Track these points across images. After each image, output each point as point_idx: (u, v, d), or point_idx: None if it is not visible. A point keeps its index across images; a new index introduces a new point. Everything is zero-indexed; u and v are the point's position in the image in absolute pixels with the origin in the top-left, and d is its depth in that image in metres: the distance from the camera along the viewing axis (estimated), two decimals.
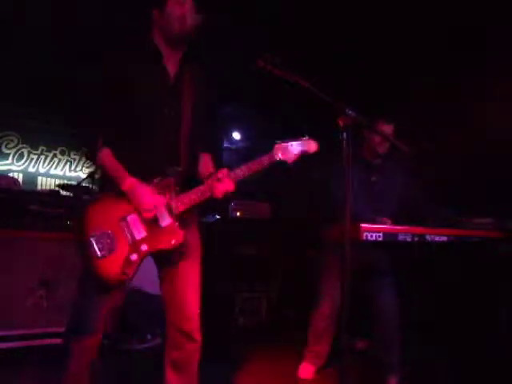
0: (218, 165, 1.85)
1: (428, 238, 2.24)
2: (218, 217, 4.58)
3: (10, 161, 5.52)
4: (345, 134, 1.51)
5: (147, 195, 1.62)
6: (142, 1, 1.74)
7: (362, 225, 2.04)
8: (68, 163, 5.99)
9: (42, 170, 5.78)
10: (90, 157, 1.74)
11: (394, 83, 4.02)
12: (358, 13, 3.58)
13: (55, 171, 5.88)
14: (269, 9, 3.56)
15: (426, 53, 3.71)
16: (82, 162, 6.12)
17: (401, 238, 2.16)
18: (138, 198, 1.61)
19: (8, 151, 5.50)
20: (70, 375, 1.66)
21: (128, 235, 1.61)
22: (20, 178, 5.53)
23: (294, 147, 1.80)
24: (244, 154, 5.93)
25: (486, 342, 2.80)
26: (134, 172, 1.64)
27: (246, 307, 4.12)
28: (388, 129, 2.78)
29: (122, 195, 1.62)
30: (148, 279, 2.14)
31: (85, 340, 1.66)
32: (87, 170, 6.07)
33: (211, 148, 1.93)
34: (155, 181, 1.66)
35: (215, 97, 1.96)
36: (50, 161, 5.84)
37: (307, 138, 1.81)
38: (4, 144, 5.45)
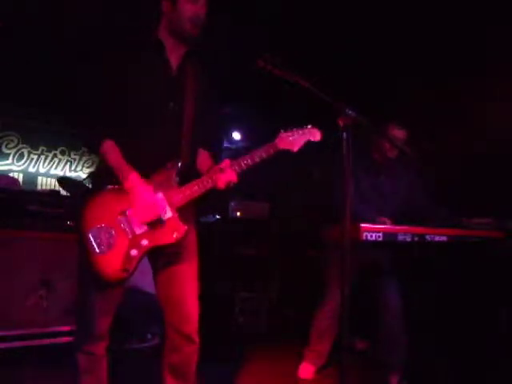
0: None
1: (428, 237, 2.24)
2: (217, 217, 4.58)
3: (10, 161, 5.52)
4: (345, 134, 1.51)
5: (149, 200, 1.58)
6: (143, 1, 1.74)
7: (362, 225, 2.04)
8: (68, 163, 5.99)
9: (42, 170, 5.78)
10: (92, 147, 1.69)
11: (394, 83, 4.02)
12: (358, 13, 3.58)
13: (55, 171, 5.88)
14: (269, 9, 3.56)
15: (426, 53, 3.71)
16: (82, 162, 6.12)
17: (401, 238, 2.17)
18: (139, 202, 1.58)
19: (8, 151, 5.50)
20: None
21: (128, 230, 1.58)
22: (20, 178, 5.53)
23: (298, 136, 1.74)
24: (244, 154, 5.92)
25: (485, 341, 2.80)
26: (134, 164, 1.61)
27: (246, 307, 4.12)
28: (400, 134, 2.77)
29: (123, 189, 1.59)
30: (145, 277, 2.13)
31: (90, 348, 1.64)
32: (87, 170, 6.07)
33: (212, 146, 1.91)
34: (156, 175, 1.64)
35: (217, 96, 1.94)
36: (50, 161, 5.84)
37: (311, 126, 1.76)
38: (4, 144, 5.46)
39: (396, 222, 2.52)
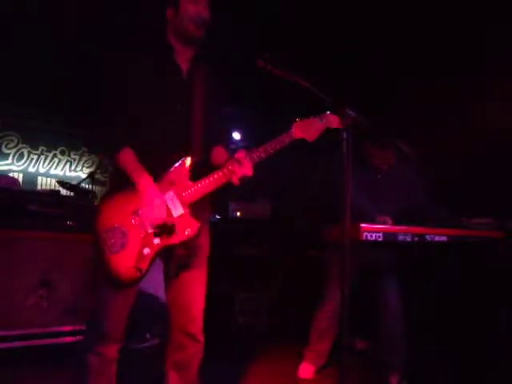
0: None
1: (428, 237, 2.24)
2: (218, 217, 4.58)
3: (10, 161, 5.53)
4: (345, 134, 1.51)
5: (158, 208, 1.58)
6: (145, 1, 1.74)
7: (362, 225, 2.04)
8: (68, 163, 6.00)
9: (42, 170, 5.79)
10: (110, 151, 1.67)
11: (394, 83, 4.02)
12: (358, 13, 3.58)
13: (55, 171, 5.89)
14: (269, 9, 3.56)
15: (426, 53, 3.71)
16: (81, 162, 6.13)
17: (401, 238, 2.17)
18: (148, 207, 1.58)
19: (8, 151, 5.51)
20: None
21: (140, 229, 1.58)
22: (20, 178, 5.54)
23: (316, 124, 1.67)
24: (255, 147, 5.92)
25: (485, 341, 2.80)
26: (145, 164, 1.62)
27: (246, 307, 4.12)
28: (387, 154, 2.79)
29: (134, 188, 1.60)
30: (147, 279, 2.13)
31: (100, 349, 1.62)
32: (87, 170, 6.08)
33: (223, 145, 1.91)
34: (167, 173, 1.64)
35: (227, 98, 1.93)
36: (50, 161, 5.84)
37: (329, 112, 1.66)
38: (4, 144, 5.46)
39: (396, 221, 2.52)
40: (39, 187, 5.71)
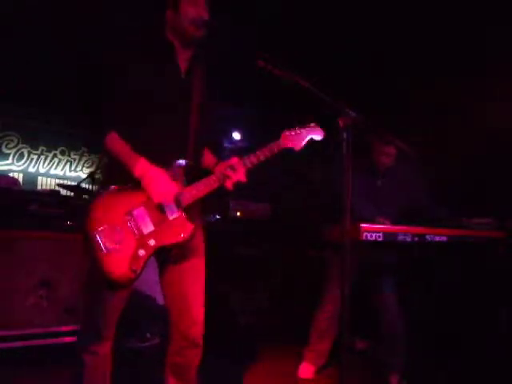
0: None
1: (428, 237, 2.24)
2: (218, 217, 4.58)
3: (10, 161, 5.52)
4: (345, 134, 1.51)
5: (162, 179, 1.58)
6: (144, 1, 1.74)
7: (362, 225, 2.04)
8: (68, 163, 6.00)
9: (42, 170, 5.78)
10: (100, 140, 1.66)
11: (394, 83, 4.02)
12: (358, 13, 3.58)
13: (55, 171, 5.88)
14: (269, 9, 3.57)
15: (426, 53, 3.71)
16: (81, 162, 6.13)
17: (401, 238, 2.17)
18: (153, 183, 1.57)
19: (8, 151, 5.50)
20: None
21: (135, 230, 1.57)
22: (20, 178, 5.53)
23: (302, 134, 1.76)
24: (244, 155, 5.93)
25: (486, 341, 2.80)
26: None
27: (246, 307, 4.12)
28: (390, 150, 2.79)
29: (128, 188, 1.59)
30: (142, 279, 2.13)
31: (96, 348, 1.63)
32: (87, 170, 6.08)
33: (213, 146, 1.92)
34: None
35: (225, 98, 1.95)
36: (50, 161, 5.84)
37: (314, 124, 1.78)
38: (4, 144, 5.46)
39: (396, 222, 2.52)
40: (39, 187, 5.71)
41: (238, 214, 4.80)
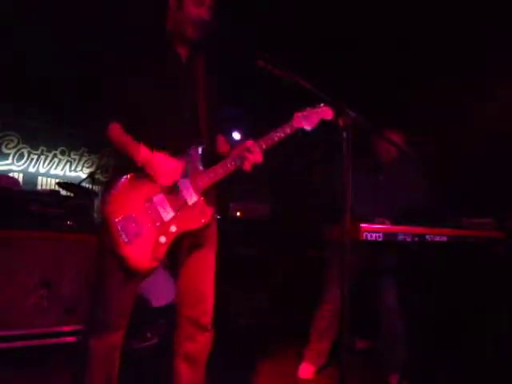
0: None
1: (428, 237, 2.24)
2: (218, 217, 4.58)
3: (10, 161, 5.53)
4: (345, 134, 1.51)
5: (164, 160, 1.57)
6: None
7: (362, 225, 2.04)
8: (68, 163, 6.00)
9: (42, 170, 5.79)
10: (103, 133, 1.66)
11: (394, 83, 4.02)
12: (358, 12, 3.58)
13: (55, 171, 5.89)
14: (269, 9, 3.56)
15: (425, 53, 3.71)
16: (82, 162, 6.13)
17: (401, 238, 2.17)
18: (156, 166, 1.57)
19: (8, 151, 5.51)
20: (89, 377, 1.59)
21: (155, 217, 1.56)
22: (20, 178, 5.54)
23: (313, 115, 1.77)
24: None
25: (486, 341, 2.80)
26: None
27: (246, 307, 4.12)
28: (397, 138, 2.79)
29: (146, 175, 1.58)
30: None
31: (107, 337, 1.59)
32: (87, 170, 6.08)
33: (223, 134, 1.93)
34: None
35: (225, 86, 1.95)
36: (50, 161, 5.85)
37: (324, 105, 1.79)
38: (4, 144, 5.46)
39: (396, 221, 2.52)
40: (39, 187, 5.71)
41: (238, 214, 4.80)
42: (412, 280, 3.04)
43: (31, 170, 5.70)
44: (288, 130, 1.74)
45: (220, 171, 1.67)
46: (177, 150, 1.63)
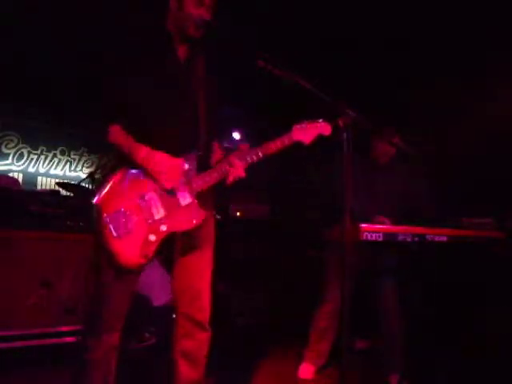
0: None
1: (428, 237, 2.24)
2: (218, 217, 4.58)
3: (10, 161, 5.52)
4: (345, 134, 1.51)
5: (165, 160, 1.58)
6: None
7: (362, 225, 2.04)
8: (68, 163, 6.00)
9: (41, 170, 5.78)
10: (103, 133, 1.64)
11: (394, 83, 4.02)
12: (358, 13, 3.58)
13: (55, 171, 5.88)
14: (269, 8, 3.56)
15: (425, 53, 3.71)
16: (81, 162, 6.13)
17: (401, 237, 2.17)
18: (157, 166, 1.57)
19: (8, 151, 5.50)
20: (86, 377, 1.60)
21: (147, 215, 1.57)
22: (20, 178, 5.53)
23: (311, 129, 1.79)
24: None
25: (485, 341, 2.80)
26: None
27: (246, 307, 4.12)
28: (388, 147, 2.80)
29: (140, 172, 1.58)
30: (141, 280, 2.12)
31: (103, 338, 1.59)
32: (87, 170, 6.08)
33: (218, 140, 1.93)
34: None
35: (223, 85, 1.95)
36: (50, 161, 5.84)
37: (322, 120, 1.81)
38: (4, 144, 5.46)
39: (396, 221, 2.52)
40: (39, 187, 5.71)
41: (238, 214, 4.80)
42: (412, 280, 3.04)
43: (31, 169, 5.69)
44: (286, 142, 1.75)
45: (215, 175, 1.68)
46: (175, 150, 1.63)
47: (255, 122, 5.84)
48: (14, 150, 5.55)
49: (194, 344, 1.74)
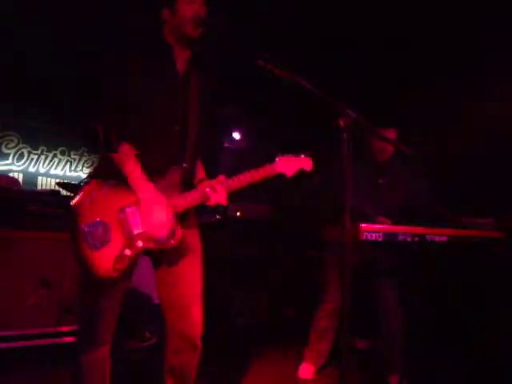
0: (215, 166, 1.84)
1: (428, 237, 2.24)
2: (218, 217, 4.58)
3: (10, 161, 5.52)
4: (345, 135, 1.51)
5: (163, 219, 1.55)
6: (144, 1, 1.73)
7: (362, 225, 2.04)
8: (68, 163, 5.99)
9: (42, 170, 5.78)
10: (108, 148, 1.60)
11: (394, 83, 4.02)
12: (358, 12, 3.58)
13: (55, 171, 5.88)
14: (269, 8, 3.56)
15: (425, 53, 3.71)
16: (82, 162, 6.12)
17: (401, 237, 2.16)
18: (152, 220, 1.54)
19: (8, 151, 5.50)
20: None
21: (125, 228, 1.53)
22: (20, 178, 5.53)
23: (294, 163, 1.84)
24: (244, 154, 5.93)
25: (486, 341, 2.80)
26: (142, 164, 1.58)
27: (246, 307, 4.12)
28: (390, 134, 2.79)
29: (123, 184, 1.55)
30: (142, 277, 2.12)
31: (93, 352, 1.60)
32: (87, 170, 6.08)
33: (209, 148, 1.93)
34: (160, 179, 1.61)
35: (217, 99, 1.95)
36: (50, 161, 5.84)
37: (304, 156, 1.87)
38: (4, 144, 5.45)
39: (396, 222, 2.52)
40: (39, 187, 5.70)
41: (238, 214, 4.80)
42: (412, 280, 3.03)
43: (31, 169, 5.69)
44: (269, 172, 1.77)
45: (196, 197, 1.66)
46: (161, 165, 1.62)
47: (255, 121, 5.83)
48: (14, 150, 5.54)
49: (181, 361, 1.69)
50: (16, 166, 5.57)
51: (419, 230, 2.23)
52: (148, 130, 1.63)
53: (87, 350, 1.60)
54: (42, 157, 5.76)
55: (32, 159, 5.68)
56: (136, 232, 1.54)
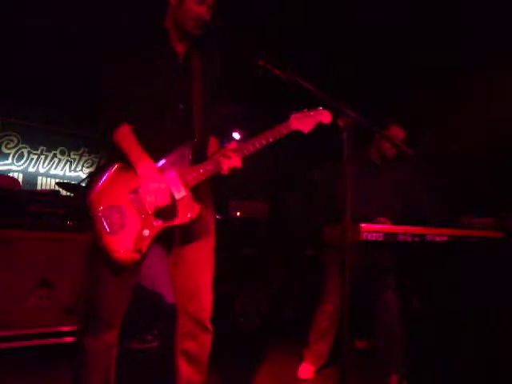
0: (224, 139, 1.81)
1: (428, 237, 2.24)
2: (218, 217, 4.58)
3: (10, 161, 5.52)
4: (345, 135, 1.51)
5: (161, 192, 1.54)
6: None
7: (362, 225, 2.04)
8: (68, 163, 6.00)
9: (41, 170, 5.78)
10: (108, 130, 1.59)
11: (394, 83, 4.02)
12: (358, 12, 3.58)
13: (55, 171, 5.88)
14: (269, 8, 3.56)
15: (425, 53, 3.72)
16: (81, 162, 6.13)
17: (401, 238, 2.16)
18: (149, 192, 1.54)
19: (8, 151, 5.50)
20: (83, 376, 1.58)
21: (140, 209, 1.54)
22: (20, 178, 5.53)
23: (310, 117, 1.71)
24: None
25: (485, 342, 2.80)
26: (148, 146, 1.58)
27: (246, 307, 4.12)
28: (399, 132, 2.79)
29: (132, 168, 1.55)
30: (146, 273, 2.11)
31: (100, 335, 1.57)
32: (87, 170, 6.08)
33: (217, 121, 1.89)
34: (170, 154, 1.61)
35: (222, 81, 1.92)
36: (50, 161, 5.84)
37: (322, 108, 1.72)
38: (4, 144, 5.46)
39: (396, 222, 2.52)
40: (39, 187, 5.71)
41: (238, 213, 4.80)
42: (412, 280, 3.03)
43: (31, 170, 5.69)
44: (284, 131, 1.69)
45: (209, 168, 1.63)
46: (170, 143, 1.61)
47: (255, 122, 5.83)
48: (14, 150, 5.54)
49: (195, 345, 1.70)
50: (16, 166, 5.57)
51: (419, 230, 2.23)
52: (151, 110, 1.63)
53: (94, 332, 1.57)
54: (42, 157, 5.76)
55: (32, 159, 5.68)
56: (152, 211, 1.54)
